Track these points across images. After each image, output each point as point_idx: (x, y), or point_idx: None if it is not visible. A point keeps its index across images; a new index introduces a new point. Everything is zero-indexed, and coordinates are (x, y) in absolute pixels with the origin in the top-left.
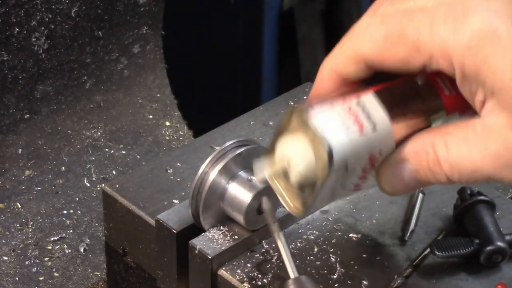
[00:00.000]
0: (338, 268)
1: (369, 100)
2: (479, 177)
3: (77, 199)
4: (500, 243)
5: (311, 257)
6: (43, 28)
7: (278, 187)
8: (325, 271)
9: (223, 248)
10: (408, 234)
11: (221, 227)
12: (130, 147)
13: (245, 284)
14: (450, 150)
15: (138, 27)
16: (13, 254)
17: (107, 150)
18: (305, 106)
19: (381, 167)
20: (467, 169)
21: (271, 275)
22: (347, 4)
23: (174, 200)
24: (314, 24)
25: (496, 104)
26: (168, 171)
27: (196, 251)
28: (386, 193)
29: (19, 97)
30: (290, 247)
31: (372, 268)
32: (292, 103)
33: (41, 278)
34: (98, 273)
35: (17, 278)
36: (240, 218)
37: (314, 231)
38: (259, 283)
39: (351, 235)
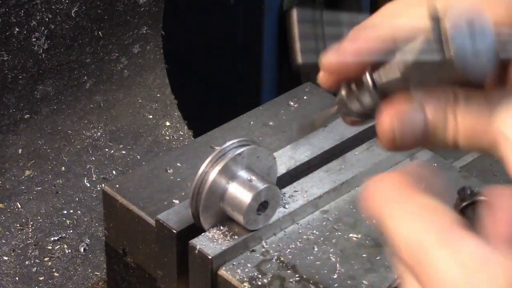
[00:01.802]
0: (338, 268)
1: None
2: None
3: (77, 199)
4: None
5: (311, 257)
6: (43, 28)
7: None
8: (325, 271)
9: (223, 248)
10: None
11: (221, 227)
12: (130, 147)
13: (245, 284)
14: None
15: (138, 27)
16: (13, 254)
17: (107, 150)
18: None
19: (398, 104)
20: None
21: (271, 275)
22: (347, 4)
23: (174, 200)
24: None
25: None
26: (168, 171)
27: (196, 251)
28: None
29: (19, 97)
30: (290, 247)
31: (372, 268)
32: (292, 103)
33: (41, 278)
34: (98, 273)
35: (17, 278)
36: (240, 218)
37: (314, 231)
38: (259, 283)
39: (351, 235)
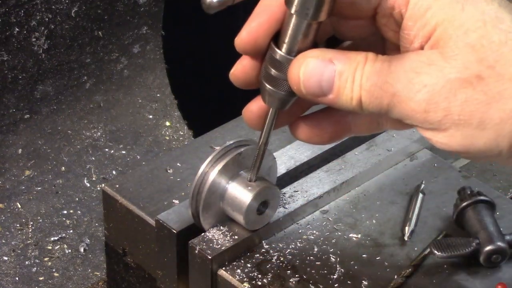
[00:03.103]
0: (338, 268)
1: None
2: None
3: (77, 199)
4: (500, 243)
5: (311, 257)
6: (43, 28)
7: None
8: (325, 271)
9: (223, 248)
10: (408, 234)
11: (221, 227)
12: (130, 147)
13: (245, 284)
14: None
15: (138, 27)
16: (13, 254)
17: (107, 150)
18: None
19: (306, 53)
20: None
21: (271, 275)
22: None
23: (174, 200)
24: None
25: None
26: (168, 171)
27: (196, 251)
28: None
29: (19, 97)
30: (290, 247)
31: (372, 268)
32: None
33: (41, 278)
34: (98, 273)
35: (17, 278)
36: (240, 218)
37: (314, 231)
38: (259, 283)
39: (351, 235)
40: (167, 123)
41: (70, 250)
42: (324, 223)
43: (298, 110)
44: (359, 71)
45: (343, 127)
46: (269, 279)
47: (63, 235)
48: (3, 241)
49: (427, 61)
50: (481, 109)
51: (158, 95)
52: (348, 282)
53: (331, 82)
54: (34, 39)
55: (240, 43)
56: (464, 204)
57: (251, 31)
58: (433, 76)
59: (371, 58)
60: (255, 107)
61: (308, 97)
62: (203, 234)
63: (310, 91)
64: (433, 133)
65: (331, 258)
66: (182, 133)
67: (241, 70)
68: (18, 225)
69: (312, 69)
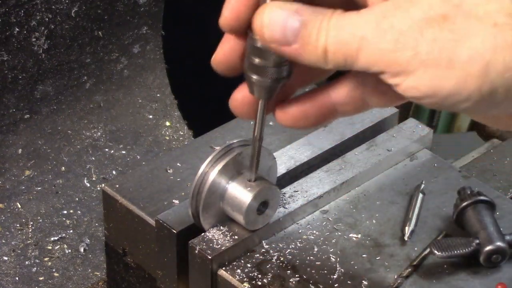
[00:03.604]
0: (338, 268)
1: None
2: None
3: (77, 199)
4: (500, 243)
5: (311, 257)
6: (43, 28)
7: None
8: (325, 271)
9: (223, 248)
10: (408, 234)
11: (221, 227)
12: (130, 147)
13: (245, 284)
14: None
15: (138, 27)
16: (13, 254)
17: (107, 150)
18: None
19: (271, 2)
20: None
21: (271, 275)
22: None
23: (174, 200)
24: None
25: None
26: (168, 171)
27: (196, 251)
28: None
29: (19, 97)
30: (290, 247)
31: (372, 268)
32: None
33: (41, 278)
34: (98, 273)
35: (17, 278)
36: (240, 218)
37: (314, 231)
38: (259, 283)
39: (351, 235)
40: (167, 123)
41: (70, 250)
42: (324, 223)
43: (283, 96)
44: (326, 22)
45: (328, 109)
46: (269, 279)
47: (63, 235)
48: (3, 241)
49: (394, 6)
50: (449, 48)
51: (158, 95)
52: (348, 282)
53: (296, 31)
54: (34, 39)
55: (224, 22)
56: (464, 204)
57: (233, 7)
58: (400, 18)
59: (338, 11)
60: (239, 95)
61: (272, 46)
62: (203, 234)
63: (273, 37)
64: (401, 77)
65: (331, 258)
66: (182, 133)
67: (222, 54)
68: (18, 225)
69: (276, 16)
